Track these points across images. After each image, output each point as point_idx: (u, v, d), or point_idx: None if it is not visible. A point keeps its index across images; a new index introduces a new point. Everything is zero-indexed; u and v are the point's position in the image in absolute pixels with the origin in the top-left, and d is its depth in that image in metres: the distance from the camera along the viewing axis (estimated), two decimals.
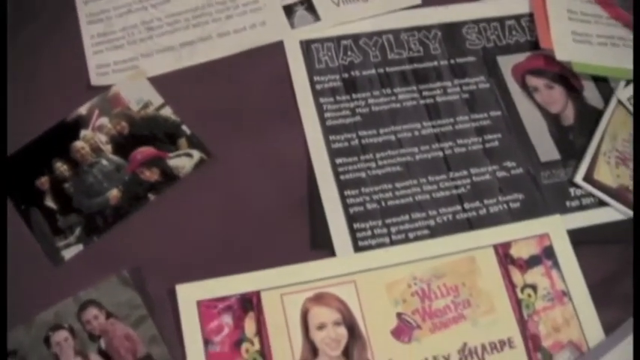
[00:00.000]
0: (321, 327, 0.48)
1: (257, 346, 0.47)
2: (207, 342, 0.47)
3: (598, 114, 0.57)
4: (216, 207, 0.52)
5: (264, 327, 0.48)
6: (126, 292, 0.48)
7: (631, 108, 0.57)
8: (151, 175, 0.53)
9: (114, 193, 0.52)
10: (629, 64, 0.58)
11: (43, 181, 0.52)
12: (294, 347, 0.48)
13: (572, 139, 0.56)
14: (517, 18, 0.61)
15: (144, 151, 0.53)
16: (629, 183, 0.55)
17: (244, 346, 0.47)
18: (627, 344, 0.50)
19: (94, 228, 0.51)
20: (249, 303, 0.48)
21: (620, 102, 0.58)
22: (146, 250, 0.50)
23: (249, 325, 0.48)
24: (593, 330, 0.50)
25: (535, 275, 0.51)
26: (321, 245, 0.50)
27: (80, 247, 0.50)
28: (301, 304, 0.49)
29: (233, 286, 0.49)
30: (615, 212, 0.54)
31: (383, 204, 0.52)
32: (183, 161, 0.53)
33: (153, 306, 0.48)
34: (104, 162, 0.53)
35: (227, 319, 0.48)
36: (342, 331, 0.48)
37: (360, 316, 0.49)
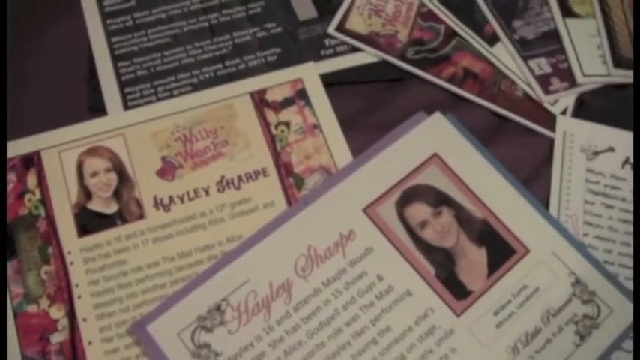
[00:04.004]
0: (94, 175, 0.55)
1: (38, 196, 0.54)
2: None
3: None
4: (7, 87, 0.59)
5: (44, 180, 0.55)
6: None
7: None
8: None
9: None
10: None
11: None
12: (71, 194, 0.55)
13: None
14: None
15: None
16: (379, 29, 0.61)
17: (27, 196, 0.54)
18: (372, 164, 0.56)
19: None
20: (31, 161, 0.55)
21: None
22: None
23: (31, 180, 0.55)
24: (342, 155, 0.56)
25: (288, 114, 0.58)
26: (97, 110, 0.58)
27: None
28: (76, 158, 0.56)
29: (16, 149, 0.56)
30: (367, 56, 0.60)
31: (152, 70, 0.59)
32: None
33: None
34: None
35: (12, 177, 0.55)
36: (113, 177, 0.55)
37: (128, 163, 0.56)
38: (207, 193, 0.55)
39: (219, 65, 0.59)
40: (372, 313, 0.51)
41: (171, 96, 0.58)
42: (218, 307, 0.50)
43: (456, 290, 0.52)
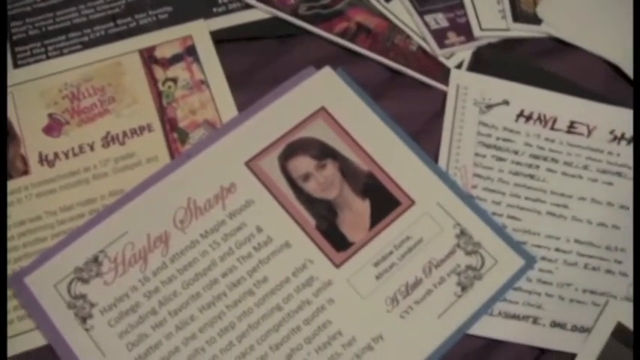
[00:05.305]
0: None
1: None
2: None
3: None
4: None
5: None
6: None
7: None
8: None
9: None
10: None
11: None
12: None
13: None
14: None
15: None
16: None
17: None
18: (257, 118, 0.56)
19: None
20: None
21: None
22: None
23: None
24: (228, 110, 0.57)
25: (176, 70, 0.58)
26: None
27: None
28: None
29: None
30: (259, 12, 0.60)
31: (43, 29, 0.60)
32: None
33: None
34: None
35: None
36: None
37: (15, 120, 0.56)
38: (92, 148, 0.55)
39: (111, 24, 0.59)
40: (250, 264, 0.51)
41: (61, 55, 0.58)
42: (95, 259, 0.51)
43: (336, 242, 0.52)
